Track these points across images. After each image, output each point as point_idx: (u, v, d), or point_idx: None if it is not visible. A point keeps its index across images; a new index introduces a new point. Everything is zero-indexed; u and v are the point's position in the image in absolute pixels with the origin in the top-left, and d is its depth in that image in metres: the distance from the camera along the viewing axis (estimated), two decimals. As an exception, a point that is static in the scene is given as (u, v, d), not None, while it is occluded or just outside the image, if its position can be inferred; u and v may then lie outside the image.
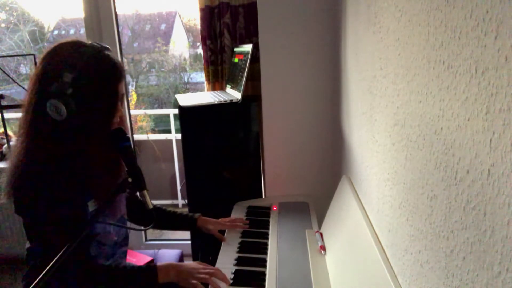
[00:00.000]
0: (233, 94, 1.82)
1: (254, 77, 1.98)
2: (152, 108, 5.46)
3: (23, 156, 1.01)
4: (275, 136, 1.95)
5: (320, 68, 1.86)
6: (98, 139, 1.06)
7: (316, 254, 1.31)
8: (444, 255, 0.64)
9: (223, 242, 1.44)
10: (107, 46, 1.08)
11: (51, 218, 1.01)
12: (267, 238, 1.46)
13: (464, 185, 0.57)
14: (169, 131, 3.59)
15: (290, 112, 1.92)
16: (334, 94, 1.83)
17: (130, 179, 0.99)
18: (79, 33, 4.80)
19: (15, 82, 2.14)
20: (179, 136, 3.27)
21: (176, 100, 1.88)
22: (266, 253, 1.35)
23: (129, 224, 1.37)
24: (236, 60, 1.91)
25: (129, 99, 2.95)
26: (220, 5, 1.93)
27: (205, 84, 2.10)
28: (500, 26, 0.46)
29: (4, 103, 2.13)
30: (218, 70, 2.03)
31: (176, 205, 3.61)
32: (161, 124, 4.45)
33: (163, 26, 5.96)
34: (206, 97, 1.86)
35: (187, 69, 5.59)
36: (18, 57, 4.45)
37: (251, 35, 1.96)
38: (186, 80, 5.54)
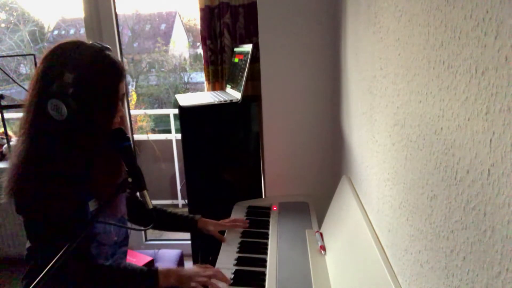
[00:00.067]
0: (233, 94, 1.82)
1: (254, 77, 1.98)
2: (152, 108, 5.46)
3: (24, 155, 1.01)
4: (275, 136, 1.95)
5: (320, 68, 1.86)
6: (98, 139, 1.06)
7: (316, 254, 1.31)
8: (444, 255, 0.64)
9: (223, 242, 1.44)
10: (108, 46, 1.08)
11: (52, 218, 1.01)
12: (267, 238, 1.46)
13: (464, 185, 0.57)
14: (169, 131, 3.60)
15: (290, 112, 1.93)
16: (334, 94, 1.83)
17: (130, 179, 0.99)
18: (79, 33, 4.80)
19: (15, 82, 2.14)
20: (179, 136, 3.27)
21: (176, 100, 1.88)
22: (266, 253, 1.35)
23: (129, 224, 1.37)
24: (236, 60, 1.91)
25: (129, 99, 2.95)
26: (220, 5, 1.93)
27: (205, 84, 2.10)
28: (500, 26, 0.46)
29: (4, 103, 2.13)
30: (218, 70, 2.03)
31: (176, 205, 3.61)
32: (161, 124, 4.45)
33: (163, 26, 5.96)
34: (206, 97, 1.86)
35: (187, 69, 5.59)
36: (18, 57, 4.45)
37: (251, 35, 1.96)
38: (186, 80, 5.54)
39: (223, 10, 1.93)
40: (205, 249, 1.80)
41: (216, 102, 1.73)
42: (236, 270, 1.26)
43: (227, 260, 1.32)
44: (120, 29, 2.24)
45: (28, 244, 1.14)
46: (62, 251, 0.81)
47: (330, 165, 1.96)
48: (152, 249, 2.10)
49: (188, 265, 2.14)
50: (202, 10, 1.96)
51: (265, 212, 1.67)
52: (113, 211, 1.18)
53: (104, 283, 1.08)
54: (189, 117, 1.75)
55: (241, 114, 1.80)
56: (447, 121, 0.62)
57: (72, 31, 5.22)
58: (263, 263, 1.30)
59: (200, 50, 3.27)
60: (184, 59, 5.73)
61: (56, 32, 5.17)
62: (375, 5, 1.06)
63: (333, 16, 1.79)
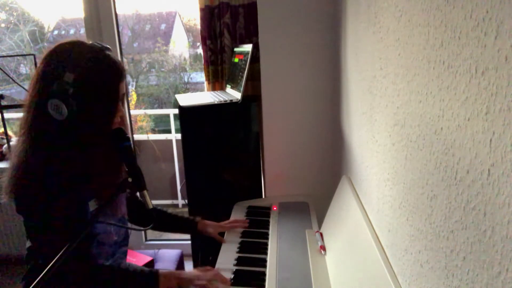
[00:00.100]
0: (233, 94, 1.82)
1: (254, 77, 1.98)
2: (152, 108, 5.46)
3: (24, 155, 1.01)
4: (275, 136, 1.95)
5: (320, 68, 1.86)
6: (98, 139, 1.06)
7: (316, 254, 1.31)
8: (444, 255, 0.64)
9: (223, 243, 1.44)
10: (108, 46, 1.08)
11: (52, 218, 1.01)
12: (267, 238, 1.46)
13: (464, 185, 0.57)
14: (169, 131, 3.59)
15: (290, 112, 1.92)
16: (334, 94, 1.83)
17: (130, 179, 0.99)
18: (79, 33, 4.80)
19: (15, 82, 2.14)
20: (179, 136, 3.27)
21: (176, 100, 1.88)
22: (266, 253, 1.35)
23: (129, 224, 1.37)
24: (236, 60, 1.91)
25: (129, 99, 2.95)
26: (220, 5, 1.93)
27: (205, 84, 2.10)
28: (500, 26, 0.46)
29: (4, 103, 2.13)
30: (218, 70, 2.03)
31: (176, 205, 3.61)
32: (161, 124, 4.45)
33: (163, 26, 5.96)
34: (206, 97, 1.86)
35: (187, 69, 5.59)
36: (18, 57, 4.45)
37: (251, 35, 1.96)
38: (186, 80, 5.54)
39: (223, 10, 1.93)
40: (205, 249, 1.80)
41: (216, 102, 1.73)
42: (236, 270, 1.26)
43: (227, 260, 1.32)
44: (120, 29, 2.24)
45: (28, 244, 1.14)
46: (62, 251, 0.81)
47: (330, 165, 1.96)
48: (152, 249, 2.10)
49: (188, 265, 2.13)
50: (202, 10, 1.96)
51: (265, 212, 1.67)
52: (113, 211, 1.18)
53: (105, 284, 1.08)
54: (189, 117, 1.75)
55: (241, 114, 1.80)
56: (447, 121, 0.62)
57: (72, 31, 5.22)
58: (263, 263, 1.30)
59: (200, 50, 3.27)
60: (184, 59, 5.73)
61: (56, 32, 5.17)
62: (375, 5, 1.06)
63: (333, 16, 1.79)
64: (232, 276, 1.23)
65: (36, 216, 1.03)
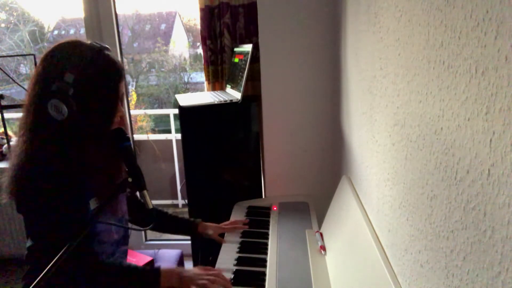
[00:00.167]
0: (233, 94, 1.82)
1: (254, 77, 1.98)
2: (152, 108, 5.46)
3: (25, 155, 1.01)
4: (275, 136, 1.95)
5: (320, 68, 1.86)
6: (98, 139, 1.06)
7: (316, 254, 1.31)
8: (444, 255, 0.64)
9: (223, 243, 1.44)
10: (107, 46, 1.08)
11: (53, 217, 1.01)
12: (267, 238, 1.46)
13: (464, 185, 0.57)
14: (169, 131, 3.59)
15: (290, 112, 1.92)
16: (334, 94, 1.83)
17: (130, 179, 0.99)
18: (79, 33, 4.80)
19: (15, 82, 2.14)
20: (179, 136, 3.27)
21: (176, 100, 1.88)
22: (266, 253, 1.35)
23: (129, 224, 1.37)
24: (236, 60, 1.91)
25: (129, 99, 2.95)
26: (220, 5, 1.93)
27: (205, 84, 2.10)
28: (500, 26, 0.46)
29: (4, 103, 2.13)
30: (218, 70, 2.03)
31: (176, 205, 3.61)
32: (161, 124, 4.45)
33: (163, 26, 5.96)
34: (206, 97, 1.86)
35: (187, 69, 5.59)
36: (18, 57, 4.45)
37: (251, 35, 1.96)
38: (186, 80, 5.54)
39: (223, 10, 1.93)
40: (205, 249, 1.80)
41: (216, 102, 1.73)
42: (236, 270, 1.26)
43: (227, 260, 1.32)
44: (120, 29, 2.24)
45: (28, 244, 1.14)
46: (62, 250, 0.81)
47: (330, 165, 1.96)
48: (152, 249, 2.10)
49: (188, 265, 2.14)
50: (202, 10, 1.96)
51: (265, 212, 1.67)
52: (113, 210, 1.18)
53: (107, 280, 1.08)
54: (189, 117, 1.75)
55: (241, 114, 1.80)
56: (447, 121, 0.62)
57: (72, 31, 5.22)
58: (263, 263, 1.30)
59: (200, 50, 3.27)
60: (184, 59, 5.73)
61: (56, 32, 5.17)
62: (375, 5, 1.06)
63: (333, 16, 1.79)
64: (232, 276, 1.23)
65: (37, 216, 1.03)
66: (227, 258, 1.33)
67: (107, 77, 1.06)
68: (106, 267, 1.10)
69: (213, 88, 2.05)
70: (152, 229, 1.27)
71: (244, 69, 1.72)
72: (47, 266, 0.79)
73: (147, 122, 4.42)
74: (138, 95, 5.46)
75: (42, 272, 0.77)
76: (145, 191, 1.01)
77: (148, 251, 2.05)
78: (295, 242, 1.40)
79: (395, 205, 0.91)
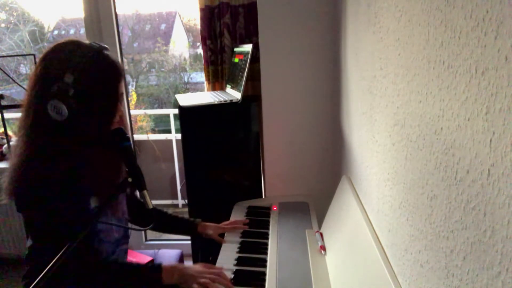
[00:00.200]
0: (233, 94, 1.82)
1: (254, 77, 1.98)
2: (152, 108, 5.47)
3: (25, 156, 1.01)
4: (275, 136, 1.95)
5: (320, 68, 1.86)
6: (98, 139, 1.06)
7: (316, 254, 1.31)
8: (444, 255, 0.64)
9: (223, 243, 1.44)
10: (106, 45, 1.08)
11: (53, 217, 1.01)
12: (267, 238, 1.46)
13: (464, 185, 0.57)
14: (169, 131, 3.60)
15: (290, 112, 1.92)
16: (334, 94, 1.83)
17: (130, 179, 0.99)
18: (79, 33, 4.80)
19: (15, 82, 2.14)
20: (179, 136, 3.27)
21: (176, 100, 1.88)
22: (266, 253, 1.35)
23: (129, 224, 1.37)
24: (236, 60, 1.91)
25: (129, 99, 2.95)
26: (220, 5, 1.93)
27: (205, 84, 2.10)
28: (500, 26, 0.46)
29: (4, 103, 2.13)
30: (218, 70, 2.03)
31: (176, 205, 3.61)
32: (161, 124, 4.45)
33: (163, 26, 5.96)
34: (206, 97, 1.86)
35: (187, 69, 5.59)
36: (18, 57, 4.45)
37: (251, 35, 1.96)
38: (186, 80, 5.54)
39: (223, 10, 1.93)
40: (205, 249, 1.80)
41: (216, 102, 1.73)
42: (236, 270, 1.26)
43: (227, 260, 1.32)
44: (120, 29, 2.24)
45: (29, 243, 1.14)
46: (63, 250, 0.81)
47: (330, 165, 1.96)
48: (152, 249, 2.10)
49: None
50: (202, 10, 1.96)
51: (265, 212, 1.67)
52: (113, 210, 1.18)
53: (108, 279, 1.08)
54: (189, 117, 1.75)
55: (241, 114, 1.80)
56: (447, 121, 0.62)
57: (72, 31, 5.23)
58: (263, 263, 1.30)
59: (200, 50, 3.27)
60: (184, 59, 5.73)
61: (56, 32, 5.17)
62: (375, 5, 1.06)
63: (333, 16, 1.79)
64: (232, 276, 1.23)
65: (37, 216, 1.03)
66: (227, 258, 1.33)
67: (107, 77, 1.06)
68: (107, 266, 1.10)
69: (213, 88, 2.05)
70: (152, 229, 1.27)
71: (244, 69, 1.72)
72: (47, 266, 0.79)
73: (147, 122, 4.42)
74: (138, 95, 5.46)
75: (42, 272, 0.77)
76: (145, 191, 1.01)
77: (148, 251, 2.05)
78: (295, 242, 1.40)
79: (395, 205, 0.91)
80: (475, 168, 0.53)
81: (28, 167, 1.00)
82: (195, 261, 1.90)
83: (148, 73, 5.62)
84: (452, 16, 0.59)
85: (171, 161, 3.47)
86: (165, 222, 1.45)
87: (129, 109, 2.39)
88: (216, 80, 2.05)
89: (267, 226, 1.55)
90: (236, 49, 1.95)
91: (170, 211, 1.49)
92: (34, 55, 2.14)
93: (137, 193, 1.03)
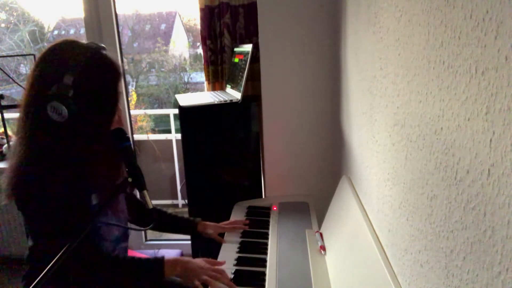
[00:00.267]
0: (233, 94, 1.82)
1: (254, 77, 1.98)
2: (152, 108, 5.47)
3: (24, 157, 1.00)
4: (275, 136, 1.95)
5: (320, 68, 1.86)
6: (98, 139, 1.06)
7: (316, 254, 1.31)
8: (444, 255, 0.64)
9: (223, 243, 1.44)
10: (103, 45, 1.08)
11: (53, 218, 1.01)
12: (267, 238, 1.46)
13: (464, 185, 0.57)
14: (169, 131, 3.60)
15: (290, 112, 1.92)
16: (334, 94, 1.83)
17: (130, 179, 0.99)
18: (79, 33, 4.81)
19: (15, 82, 2.14)
20: (179, 136, 3.27)
21: (176, 100, 1.88)
22: (266, 253, 1.35)
23: (129, 224, 1.37)
24: (236, 60, 1.91)
25: (129, 99, 2.95)
26: (220, 5, 1.93)
27: (205, 84, 2.10)
28: (500, 26, 0.46)
29: (4, 103, 2.13)
30: (218, 70, 2.03)
31: (176, 205, 3.61)
32: (161, 124, 4.46)
33: (163, 26, 5.96)
34: (206, 97, 1.86)
35: (187, 69, 5.59)
36: (18, 57, 4.45)
37: (251, 35, 1.96)
38: (186, 80, 5.55)
39: (223, 10, 1.93)
40: (205, 249, 1.80)
41: (216, 102, 1.73)
42: (236, 270, 1.26)
43: (227, 260, 1.32)
44: (120, 29, 2.24)
45: (30, 243, 1.14)
46: (63, 250, 0.81)
47: (330, 165, 1.96)
48: (152, 249, 2.10)
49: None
50: (202, 10, 1.96)
51: (265, 212, 1.67)
52: (113, 210, 1.18)
53: (110, 271, 1.08)
54: (189, 117, 1.75)
55: (241, 114, 1.80)
56: (447, 121, 0.62)
57: (72, 31, 5.23)
58: (263, 263, 1.30)
59: (200, 50, 3.27)
60: (184, 59, 5.74)
61: (56, 32, 5.17)
62: (375, 5, 1.06)
63: (333, 16, 1.79)
64: (232, 276, 1.23)
65: (37, 217, 1.03)
66: (227, 258, 1.33)
67: (106, 77, 1.06)
68: (108, 259, 1.10)
69: (213, 88, 2.05)
70: (152, 228, 1.27)
71: (244, 69, 1.72)
72: (48, 265, 0.79)
73: (147, 122, 4.42)
74: (138, 95, 5.46)
75: (42, 272, 0.77)
76: (145, 191, 1.01)
77: (148, 251, 2.05)
78: (295, 242, 1.40)
79: (395, 205, 0.91)
80: (475, 168, 0.53)
81: (29, 168, 1.00)
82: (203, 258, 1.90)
83: (148, 73, 5.62)
84: (452, 16, 0.59)
85: (171, 161, 3.47)
86: (165, 222, 1.45)
87: (129, 109, 2.39)
88: (216, 80, 2.05)
89: (267, 226, 1.55)
90: (236, 49, 1.95)
91: (170, 211, 1.49)
92: (34, 55, 2.14)
93: (137, 193, 1.03)
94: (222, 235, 1.48)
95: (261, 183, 1.94)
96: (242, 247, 1.40)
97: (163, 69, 5.74)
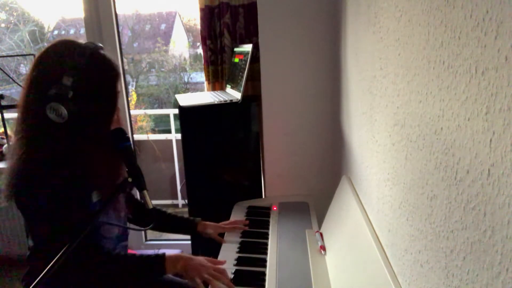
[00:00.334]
0: (233, 94, 1.82)
1: (254, 77, 1.98)
2: (152, 108, 5.47)
3: (24, 158, 1.00)
4: (275, 136, 1.95)
5: (320, 68, 1.86)
6: (98, 139, 1.06)
7: (316, 254, 1.31)
8: (444, 255, 0.64)
9: (223, 243, 1.44)
10: (101, 45, 1.08)
11: (54, 219, 1.01)
12: (267, 238, 1.46)
13: (464, 185, 0.57)
14: (169, 131, 3.60)
15: (290, 112, 1.92)
16: (334, 94, 1.83)
17: (130, 179, 0.99)
18: (79, 33, 4.80)
19: (15, 82, 2.14)
20: (179, 136, 3.27)
21: (176, 100, 1.88)
22: (266, 253, 1.35)
23: (128, 223, 1.37)
24: (236, 60, 1.91)
25: (129, 99, 2.95)
26: (220, 5, 1.93)
27: (205, 84, 2.10)
28: (500, 26, 0.46)
29: (4, 103, 2.13)
30: (218, 70, 2.03)
31: (176, 205, 3.61)
32: (161, 124, 4.46)
33: (163, 26, 5.96)
34: (206, 97, 1.86)
35: (187, 69, 5.59)
36: (18, 57, 4.45)
37: (251, 35, 1.96)
38: (186, 80, 5.55)
39: (223, 10, 1.93)
40: (205, 249, 1.80)
41: (216, 102, 1.73)
42: (236, 270, 1.26)
43: (227, 260, 1.32)
44: (120, 29, 2.24)
45: (30, 244, 1.14)
46: (63, 250, 0.81)
47: (330, 165, 1.96)
48: (152, 249, 2.10)
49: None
50: (202, 10, 1.96)
51: (265, 212, 1.67)
52: (113, 210, 1.18)
53: (111, 269, 1.09)
54: (189, 117, 1.75)
55: (241, 114, 1.80)
56: (447, 121, 0.62)
57: (72, 31, 5.23)
58: (263, 263, 1.30)
59: (200, 50, 3.27)
60: (184, 59, 5.74)
61: (56, 32, 5.17)
62: (375, 5, 1.06)
63: (333, 16, 1.79)
64: (232, 276, 1.23)
65: (38, 218, 1.03)
66: (227, 258, 1.33)
67: (105, 76, 1.06)
68: (110, 258, 1.10)
69: (213, 88, 2.05)
70: (152, 228, 1.27)
71: (244, 69, 1.72)
72: (48, 265, 0.79)
73: (147, 122, 4.43)
74: (138, 95, 5.46)
75: (42, 272, 0.77)
76: (145, 191, 1.01)
77: (148, 251, 2.04)
78: (295, 242, 1.40)
79: (395, 205, 0.91)
80: (475, 168, 0.53)
81: (29, 169, 1.00)
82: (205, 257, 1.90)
83: (148, 73, 5.62)
84: (452, 16, 0.59)
85: (171, 161, 3.47)
86: (165, 222, 1.45)
87: (129, 109, 2.39)
88: (216, 80, 2.05)
89: (267, 226, 1.55)
90: (236, 49, 1.95)
91: (170, 211, 1.49)
92: (34, 55, 2.14)
93: (137, 193, 1.03)
94: (222, 235, 1.48)
95: (261, 183, 1.94)
96: (242, 247, 1.40)
97: (163, 69, 5.75)
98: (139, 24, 5.56)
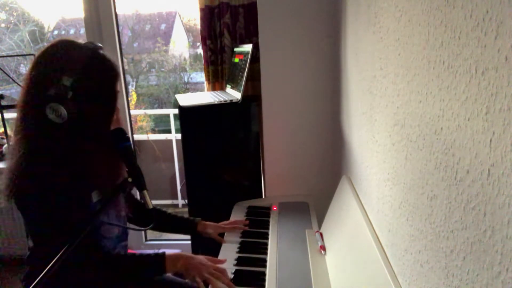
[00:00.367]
0: (233, 94, 1.82)
1: (254, 77, 1.98)
2: (152, 108, 5.47)
3: (24, 159, 1.00)
4: (275, 136, 1.95)
5: (320, 68, 1.86)
6: (98, 139, 1.06)
7: (316, 254, 1.31)
8: (444, 255, 0.64)
9: (223, 243, 1.44)
10: (100, 45, 1.08)
11: (54, 220, 1.01)
12: (267, 238, 1.46)
13: (464, 185, 0.57)
14: (169, 131, 3.60)
15: (290, 112, 1.92)
16: (334, 94, 1.83)
17: (130, 179, 0.99)
18: (79, 33, 4.80)
19: (15, 82, 2.14)
20: (179, 136, 3.27)
21: (176, 100, 1.88)
22: (266, 253, 1.35)
23: (128, 224, 1.37)
24: (236, 60, 1.91)
25: (129, 99, 2.95)
26: (220, 5, 1.93)
27: (205, 84, 2.10)
28: (500, 26, 0.46)
29: (4, 103, 2.13)
30: (218, 70, 2.03)
31: (176, 205, 3.61)
32: (161, 124, 4.45)
33: (163, 26, 5.96)
34: (206, 97, 1.86)
35: (187, 69, 5.59)
36: (18, 57, 4.45)
37: (251, 35, 1.96)
38: (186, 80, 5.55)
39: (223, 10, 1.93)
40: (205, 249, 1.80)
41: (216, 102, 1.73)
42: (236, 270, 1.26)
43: (227, 260, 1.32)
44: (120, 29, 2.24)
45: (30, 244, 1.14)
46: (63, 250, 0.81)
47: (330, 165, 1.96)
48: (152, 249, 2.10)
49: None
50: (202, 10, 1.96)
51: (265, 212, 1.67)
52: (114, 209, 1.18)
53: (113, 270, 1.09)
54: (189, 117, 1.75)
55: (241, 114, 1.80)
56: (447, 121, 0.62)
57: (72, 31, 5.23)
58: (263, 263, 1.30)
59: (200, 50, 3.27)
60: (184, 59, 5.74)
61: (56, 32, 5.17)
62: (375, 5, 1.06)
63: (333, 16, 1.79)
64: (232, 276, 1.23)
65: (38, 219, 1.03)
66: (227, 258, 1.33)
67: (105, 77, 1.06)
68: (110, 258, 1.10)
69: (213, 88, 2.05)
70: (152, 228, 1.27)
71: (244, 69, 1.72)
72: (48, 265, 0.79)
73: (147, 122, 4.42)
74: (138, 95, 5.46)
75: (42, 272, 0.77)
76: (145, 191, 1.01)
77: (148, 251, 2.04)
78: (295, 242, 1.40)
79: (395, 205, 0.91)
80: (475, 168, 0.53)
81: (29, 169, 1.00)
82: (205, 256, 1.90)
83: (148, 73, 5.62)
84: (452, 16, 0.59)
85: (171, 161, 3.47)
86: (165, 222, 1.45)
87: (129, 109, 2.39)
88: (216, 80, 2.05)
89: (267, 226, 1.55)
90: (236, 49, 1.95)
91: (170, 211, 1.49)
92: (34, 55, 2.14)
93: (137, 193, 1.03)
94: (222, 235, 1.48)
95: (261, 183, 1.94)
96: (242, 247, 1.40)
97: (163, 69, 5.74)
98: (139, 24, 5.56)
